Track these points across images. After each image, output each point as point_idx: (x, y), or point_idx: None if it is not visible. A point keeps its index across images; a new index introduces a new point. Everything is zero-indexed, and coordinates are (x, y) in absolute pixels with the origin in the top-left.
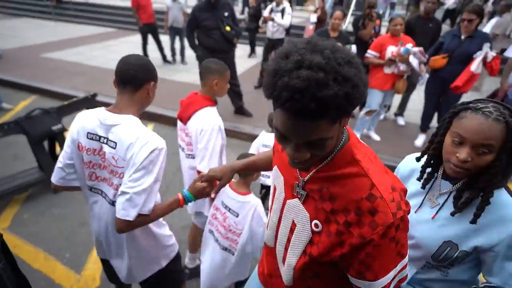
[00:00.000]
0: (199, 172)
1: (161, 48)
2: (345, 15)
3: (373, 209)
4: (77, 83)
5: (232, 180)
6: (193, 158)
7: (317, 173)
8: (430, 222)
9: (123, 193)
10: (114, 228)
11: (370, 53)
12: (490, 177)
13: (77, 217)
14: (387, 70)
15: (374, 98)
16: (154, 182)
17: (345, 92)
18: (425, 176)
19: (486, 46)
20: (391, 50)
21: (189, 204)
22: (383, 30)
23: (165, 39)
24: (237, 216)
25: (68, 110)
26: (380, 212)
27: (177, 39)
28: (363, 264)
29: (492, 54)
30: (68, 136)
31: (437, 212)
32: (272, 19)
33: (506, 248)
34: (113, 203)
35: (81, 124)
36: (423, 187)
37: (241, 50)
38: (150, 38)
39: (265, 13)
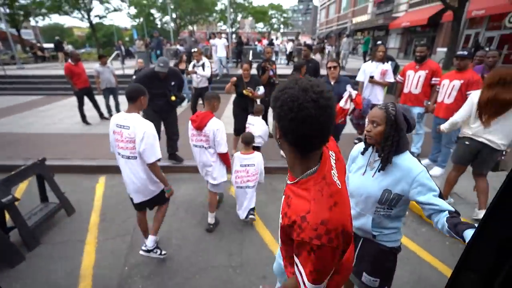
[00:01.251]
0: (220, 154)
1: (97, 107)
2: (251, 64)
3: (300, 227)
4: (13, 152)
5: (238, 150)
6: (210, 148)
7: (290, 185)
8: (372, 179)
9: (144, 150)
10: (131, 170)
11: None
12: (385, 141)
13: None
14: None
15: None
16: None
17: None
18: (364, 150)
19: (348, 87)
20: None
21: (213, 182)
22: (279, 71)
23: (98, 98)
24: (254, 165)
25: (16, 180)
26: (303, 231)
27: (111, 97)
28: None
29: (354, 92)
30: (110, 127)
31: (375, 172)
32: (195, 72)
33: (418, 183)
34: (128, 157)
35: (115, 120)
36: (363, 153)
37: None
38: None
39: (189, 68)
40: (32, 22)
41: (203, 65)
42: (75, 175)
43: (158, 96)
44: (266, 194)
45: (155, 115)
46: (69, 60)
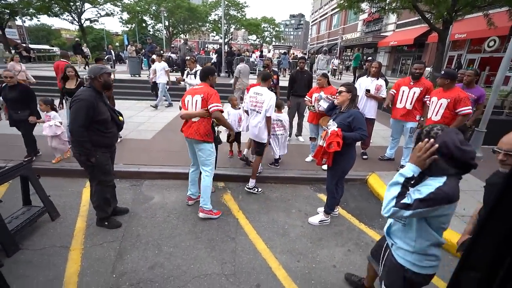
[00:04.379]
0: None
1: None
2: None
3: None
4: None
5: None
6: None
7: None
8: None
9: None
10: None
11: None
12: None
13: None
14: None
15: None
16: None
17: None
18: None
19: (330, 122)
20: (314, 96)
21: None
22: (281, 83)
23: None
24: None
25: None
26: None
27: None
28: None
29: (332, 128)
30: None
31: None
32: (183, 80)
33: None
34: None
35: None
36: None
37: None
38: None
39: (184, 76)
40: (18, 22)
41: (195, 73)
42: (61, 178)
43: (109, 123)
44: (259, 203)
45: (107, 156)
46: (60, 58)
